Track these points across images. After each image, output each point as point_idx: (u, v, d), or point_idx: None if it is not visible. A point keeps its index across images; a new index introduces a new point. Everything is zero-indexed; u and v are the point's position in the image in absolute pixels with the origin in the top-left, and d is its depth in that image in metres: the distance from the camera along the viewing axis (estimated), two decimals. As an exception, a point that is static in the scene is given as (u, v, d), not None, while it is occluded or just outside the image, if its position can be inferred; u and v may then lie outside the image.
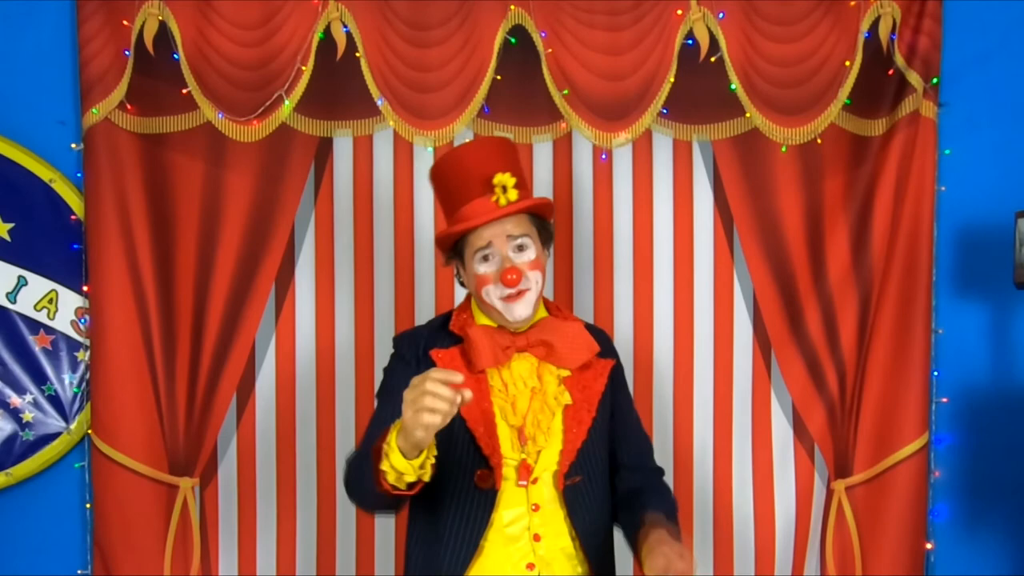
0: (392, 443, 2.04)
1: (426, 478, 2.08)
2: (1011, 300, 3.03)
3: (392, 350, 2.39)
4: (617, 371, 2.44)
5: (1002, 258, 2.95)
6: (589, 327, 2.45)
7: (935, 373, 3.05)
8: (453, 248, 2.35)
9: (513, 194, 2.28)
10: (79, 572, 3.04)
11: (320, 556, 3.04)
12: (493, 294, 2.29)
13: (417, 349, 2.36)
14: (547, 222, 2.38)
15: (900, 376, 3.01)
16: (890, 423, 3.01)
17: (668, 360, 3.04)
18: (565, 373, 2.34)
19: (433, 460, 2.09)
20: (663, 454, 3.03)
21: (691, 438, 3.04)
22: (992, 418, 3.06)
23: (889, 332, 3.00)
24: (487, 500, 2.27)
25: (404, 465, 2.04)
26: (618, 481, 2.43)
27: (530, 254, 2.30)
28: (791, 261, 3.00)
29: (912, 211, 2.99)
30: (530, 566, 2.27)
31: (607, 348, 2.45)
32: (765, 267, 3.00)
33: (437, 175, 2.37)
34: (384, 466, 2.06)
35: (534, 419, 2.30)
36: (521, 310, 2.29)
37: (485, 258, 2.29)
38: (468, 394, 1.96)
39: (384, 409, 2.31)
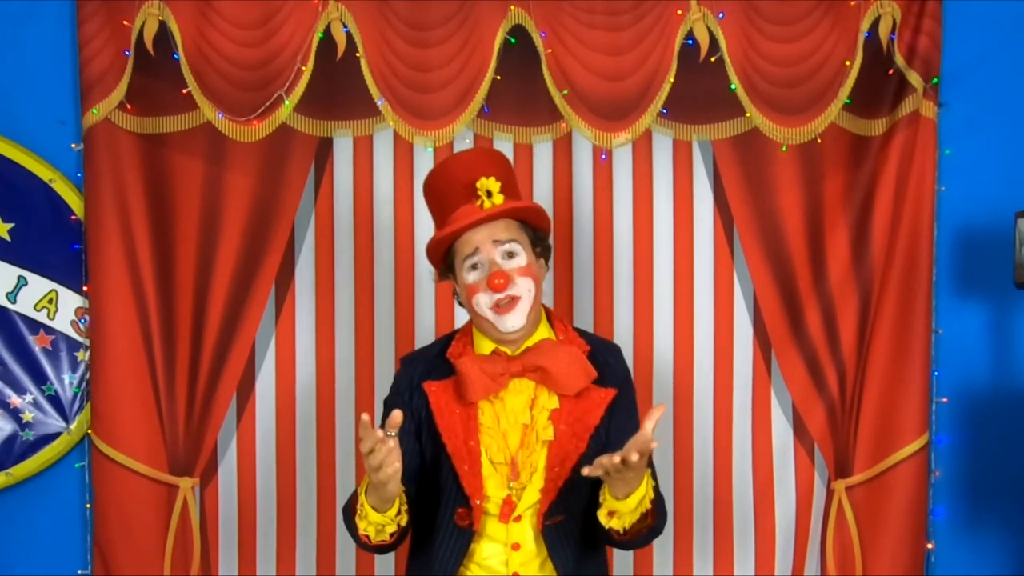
0: (364, 503, 2.14)
1: (403, 523, 2.20)
2: (1011, 300, 3.03)
3: (394, 374, 2.41)
4: (621, 399, 2.34)
5: (1002, 258, 2.95)
6: (603, 343, 2.43)
7: (935, 373, 3.05)
8: (445, 263, 2.33)
9: (499, 199, 2.25)
10: (79, 572, 3.04)
11: (320, 556, 3.03)
12: (483, 303, 2.25)
13: (412, 379, 2.33)
14: (541, 232, 2.34)
15: (900, 376, 3.00)
16: (890, 423, 3.01)
17: (668, 360, 3.04)
18: (554, 405, 2.28)
19: (406, 508, 2.20)
20: (663, 454, 3.03)
21: (691, 438, 3.03)
22: (992, 418, 3.06)
23: (889, 332, 3.00)
24: (466, 535, 2.26)
25: (380, 519, 2.15)
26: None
27: (520, 261, 2.26)
28: (791, 261, 3.00)
29: (912, 211, 2.99)
30: None
31: (615, 370, 2.37)
32: (765, 267, 3.00)
33: (426, 188, 2.37)
34: (363, 526, 2.18)
35: (524, 456, 2.26)
36: (513, 320, 2.25)
37: (474, 267, 2.26)
38: (396, 417, 1.99)
39: None
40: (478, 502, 2.24)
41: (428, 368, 2.33)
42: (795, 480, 3.04)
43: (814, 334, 3.00)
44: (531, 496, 2.26)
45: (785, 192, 2.99)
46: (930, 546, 3.06)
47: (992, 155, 3.06)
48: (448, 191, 2.30)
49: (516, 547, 2.27)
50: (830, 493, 3.03)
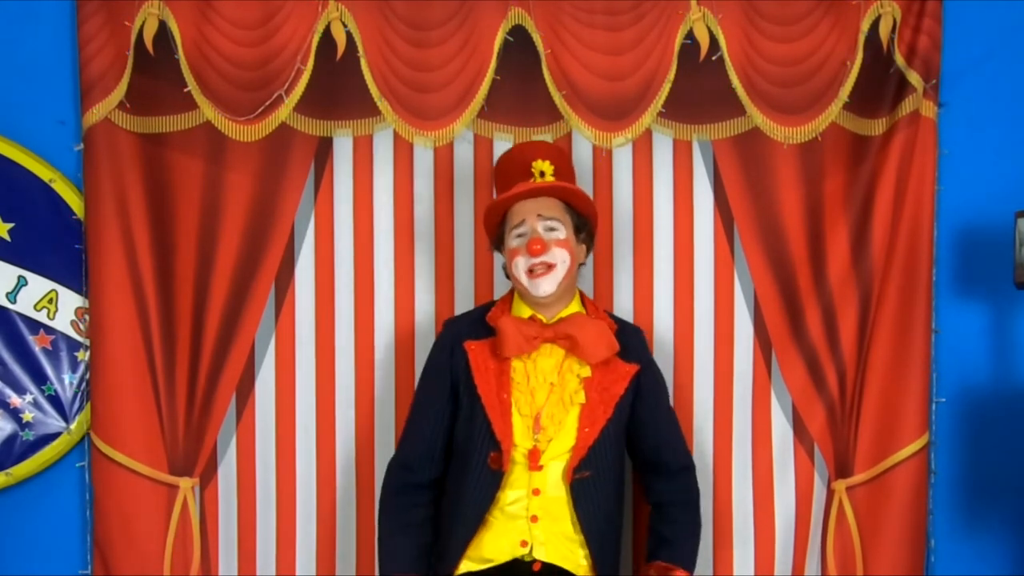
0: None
1: None
2: (1011, 300, 3.03)
3: (440, 330, 2.78)
4: (645, 376, 2.69)
5: (1002, 258, 2.95)
6: (627, 325, 2.77)
7: (935, 373, 3.04)
8: (499, 235, 2.68)
9: (550, 179, 2.62)
10: (79, 572, 3.03)
11: (320, 556, 3.03)
12: (520, 266, 2.59)
13: (454, 338, 2.67)
14: (586, 219, 2.67)
15: (900, 376, 3.00)
16: (890, 423, 3.01)
17: (668, 360, 3.03)
18: (585, 373, 2.60)
19: None
20: (663, 454, 3.04)
21: (691, 437, 3.02)
22: (992, 418, 3.06)
23: (889, 332, 3.00)
24: (495, 480, 2.57)
25: None
26: (650, 489, 2.75)
27: (559, 234, 2.60)
28: (791, 261, 3.00)
29: (912, 211, 2.99)
30: (523, 543, 2.56)
31: (638, 350, 2.71)
32: (765, 267, 3.00)
33: (495, 169, 2.78)
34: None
35: (550, 411, 2.57)
36: (545, 285, 2.57)
37: (519, 236, 2.61)
38: None
39: (420, 392, 2.75)
40: (508, 446, 2.55)
41: (469, 329, 2.68)
42: (795, 480, 3.04)
43: (814, 334, 3.00)
44: (556, 448, 2.58)
45: (785, 192, 2.99)
46: (930, 546, 3.06)
47: (992, 155, 3.06)
48: (509, 170, 2.69)
49: (537, 492, 2.57)
50: (830, 493, 3.03)
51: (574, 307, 2.68)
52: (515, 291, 2.71)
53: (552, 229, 2.60)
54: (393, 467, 2.74)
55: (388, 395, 2.99)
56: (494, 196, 2.81)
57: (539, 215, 2.60)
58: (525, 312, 2.66)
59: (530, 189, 2.61)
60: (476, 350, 2.63)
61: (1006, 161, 3.06)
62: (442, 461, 2.70)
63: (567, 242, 2.61)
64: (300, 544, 3.03)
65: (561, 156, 2.73)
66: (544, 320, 2.64)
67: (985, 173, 3.05)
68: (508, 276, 2.69)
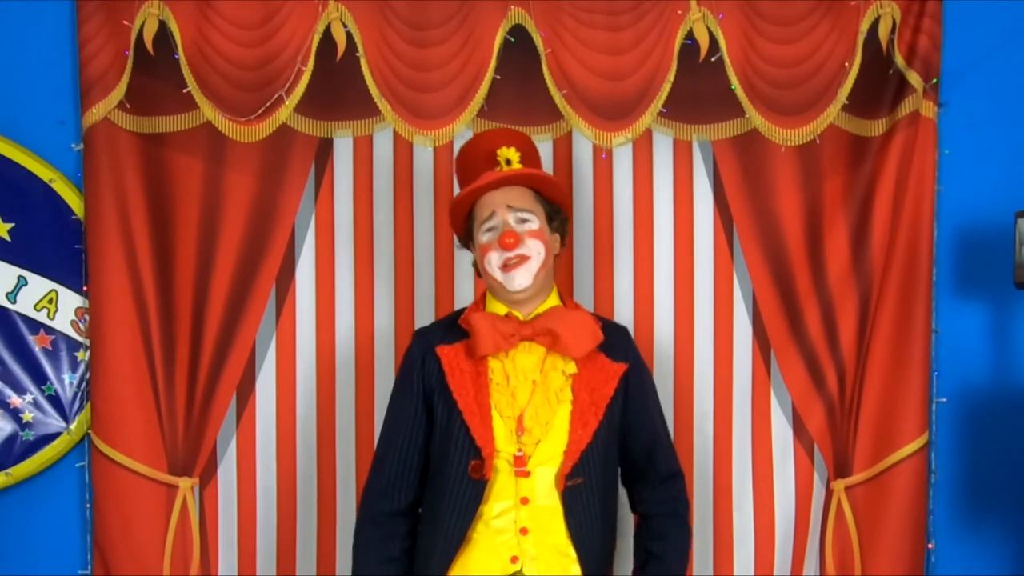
0: None
1: None
2: (1011, 300, 3.03)
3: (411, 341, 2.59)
4: (634, 375, 2.53)
5: (1002, 258, 2.95)
6: (610, 323, 2.60)
7: (935, 373, 3.04)
8: (467, 231, 2.51)
9: (517, 167, 2.45)
10: (79, 572, 3.03)
11: (320, 556, 3.03)
12: (494, 262, 2.42)
13: (426, 346, 2.50)
14: (557, 207, 2.51)
15: (900, 376, 3.00)
16: (890, 423, 3.01)
17: (668, 360, 3.04)
18: (571, 370, 2.44)
19: None
20: (663, 454, 3.03)
21: (691, 438, 3.03)
22: (992, 418, 3.06)
23: (889, 332, 3.00)
24: (477, 491, 2.39)
25: None
26: (638, 498, 2.58)
27: (532, 225, 2.43)
28: (791, 261, 3.00)
29: (912, 211, 2.99)
30: (514, 559, 2.38)
31: (624, 348, 2.56)
32: (765, 267, 3.00)
33: (456, 161, 2.60)
34: None
35: (533, 412, 2.40)
36: (520, 278, 2.40)
37: (489, 230, 2.44)
38: None
39: (390, 410, 2.56)
40: (489, 452, 2.37)
41: (441, 336, 2.50)
42: (794, 480, 3.04)
43: (813, 334, 3.00)
44: (544, 452, 2.40)
45: (785, 192, 2.99)
46: (930, 546, 3.06)
47: (992, 155, 3.05)
48: (472, 160, 2.51)
49: (525, 501, 2.39)
50: (829, 493, 3.03)
51: (552, 302, 2.51)
52: (487, 292, 2.54)
53: (524, 220, 2.43)
54: (368, 494, 2.55)
55: (388, 395, 2.99)
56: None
57: (509, 206, 2.43)
58: (500, 310, 2.48)
59: (498, 178, 2.44)
60: (449, 354, 2.44)
61: (1006, 161, 3.06)
62: (419, 485, 2.50)
63: (541, 232, 2.43)
64: (300, 544, 3.04)
65: (526, 142, 2.55)
66: (521, 318, 2.47)
67: (985, 173, 3.05)
68: (480, 274, 2.53)
